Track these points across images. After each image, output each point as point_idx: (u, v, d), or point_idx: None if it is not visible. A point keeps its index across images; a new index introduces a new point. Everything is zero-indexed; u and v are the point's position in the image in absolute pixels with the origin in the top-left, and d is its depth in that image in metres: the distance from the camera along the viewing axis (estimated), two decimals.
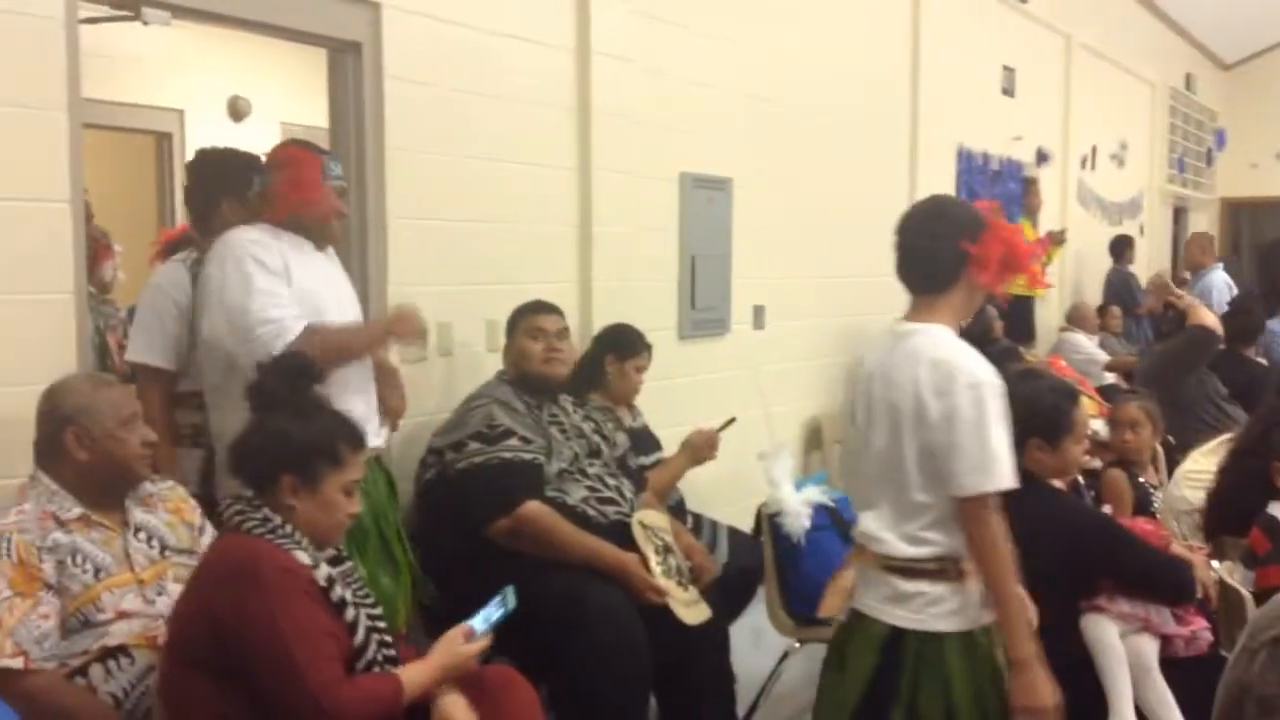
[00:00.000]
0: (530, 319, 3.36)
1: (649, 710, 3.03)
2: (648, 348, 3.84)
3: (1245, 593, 2.86)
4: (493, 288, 3.74)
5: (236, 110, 6.39)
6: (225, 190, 2.97)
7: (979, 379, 2.18)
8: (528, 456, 3.07)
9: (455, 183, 3.65)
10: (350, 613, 2.15)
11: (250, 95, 6.40)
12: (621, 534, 3.11)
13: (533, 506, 3.01)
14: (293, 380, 2.26)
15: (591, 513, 3.11)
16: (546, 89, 4.03)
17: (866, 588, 2.33)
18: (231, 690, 2.04)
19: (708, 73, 4.81)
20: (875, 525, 2.29)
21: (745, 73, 5.05)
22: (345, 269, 3.06)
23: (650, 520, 3.19)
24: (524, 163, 3.92)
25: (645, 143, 4.44)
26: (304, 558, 2.12)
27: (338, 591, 2.14)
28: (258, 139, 6.61)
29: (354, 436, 2.25)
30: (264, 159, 2.90)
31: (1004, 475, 2.16)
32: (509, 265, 3.86)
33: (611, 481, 3.24)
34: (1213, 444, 3.95)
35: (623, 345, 3.80)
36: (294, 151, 2.87)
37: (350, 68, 3.39)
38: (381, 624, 2.26)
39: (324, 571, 2.14)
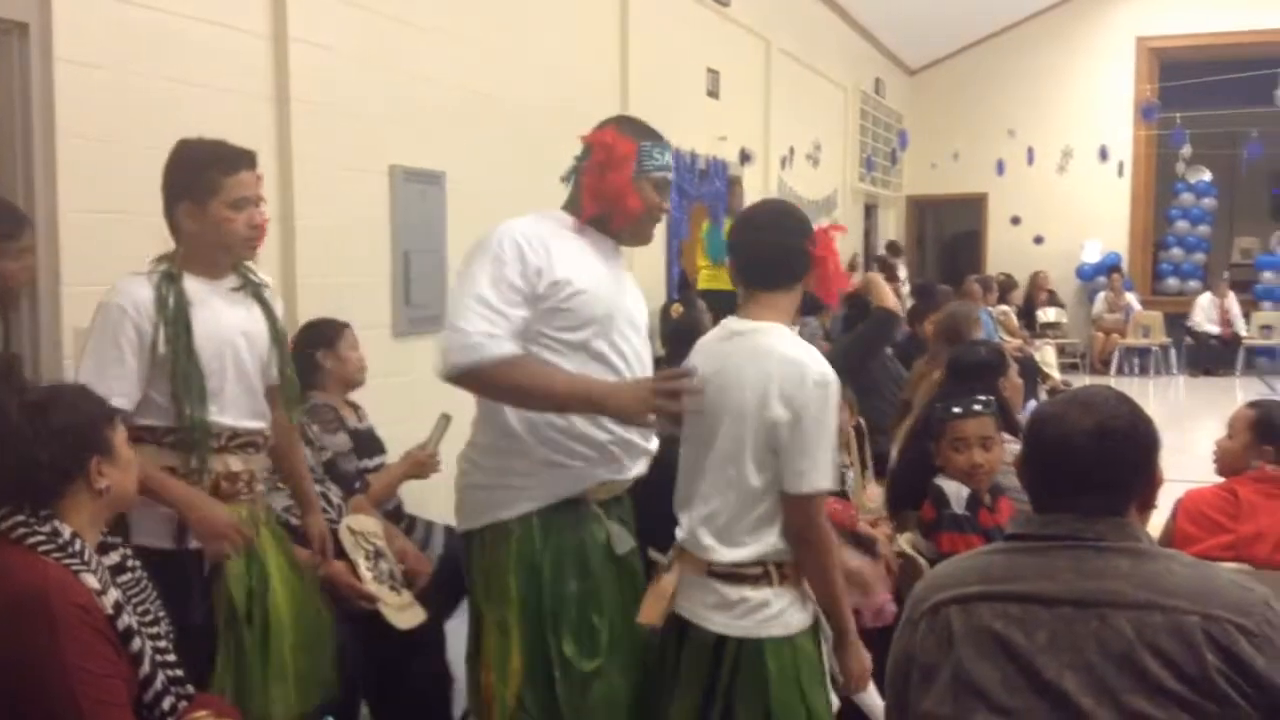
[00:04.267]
0: None
1: (359, 717, 2.95)
2: (346, 325, 3.70)
3: (923, 562, 3.10)
4: None
5: None
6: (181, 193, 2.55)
7: (827, 379, 2.21)
8: None
9: (138, 173, 3.40)
10: (136, 643, 2.00)
11: None
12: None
13: None
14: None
15: (295, 521, 2.99)
16: (240, 76, 3.84)
17: (690, 593, 2.31)
18: None
19: (417, 65, 4.73)
20: (699, 529, 2.28)
21: (457, 67, 5.00)
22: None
23: (359, 525, 3.11)
24: None
25: (351, 134, 4.31)
26: (92, 581, 1.95)
27: (124, 620, 1.98)
28: None
29: (95, 395, 2.12)
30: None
31: (832, 474, 2.23)
32: None
33: (316, 487, 3.12)
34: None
35: (323, 332, 3.65)
36: (610, 134, 2.55)
37: (15, 49, 3.11)
38: (168, 650, 2.11)
39: (111, 597, 1.97)
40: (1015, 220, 13.61)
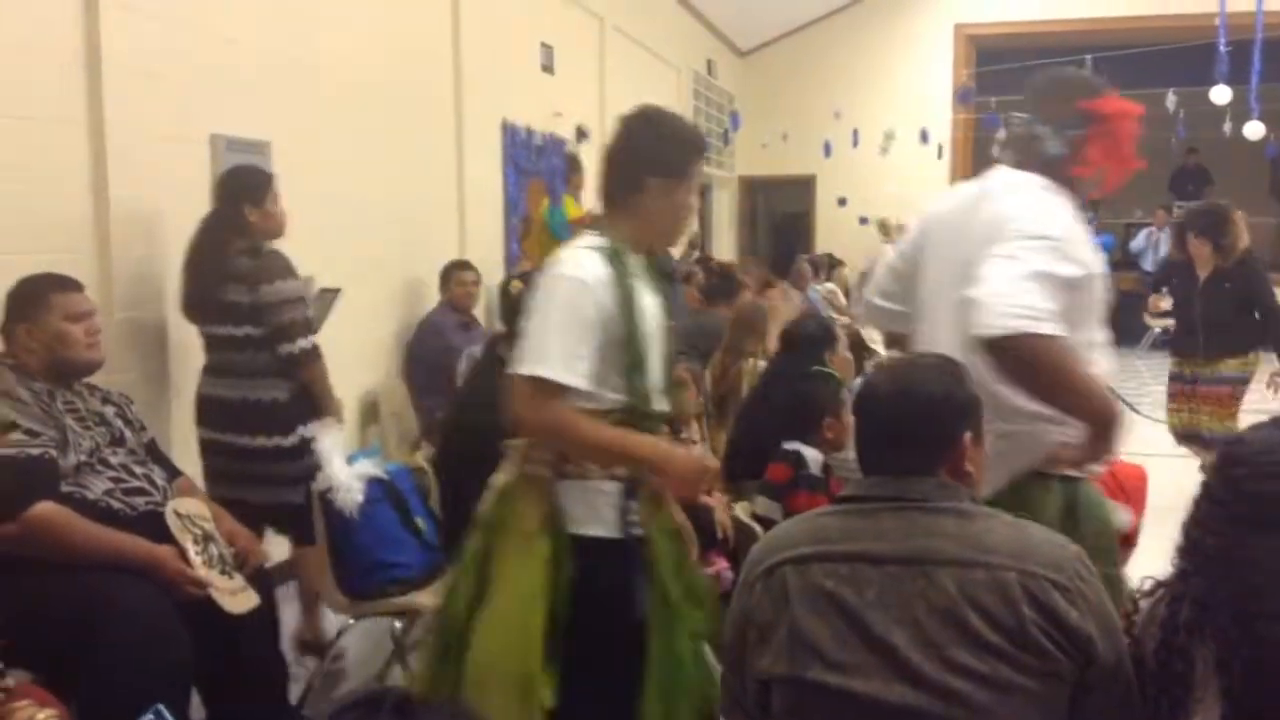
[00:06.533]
0: (60, 298, 2.97)
1: (189, 705, 2.83)
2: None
3: (760, 530, 3.18)
4: None
5: None
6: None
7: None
8: (36, 451, 2.75)
9: None
10: None
11: None
12: (155, 525, 2.88)
13: (43, 508, 2.69)
14: None
15: (117, 505, 2.84)
16: (45, 37, 3.62)
17: None
18: None
19: (238, 29, 4.55)
20: None
21: (281, 32, 4.83)
22: None
23: (186, 508, 2.98)
24: (18, 117, 3.50)
25: (169, 101, 4.11)
26: None
27: None
28: None
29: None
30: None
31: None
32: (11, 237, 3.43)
33: (139, 470, 2.98)
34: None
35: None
36: (1118, 101, 2.41)
37: None
38: None
39: None
40: (842, 201, 14.01)
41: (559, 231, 7.77)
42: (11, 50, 3.45)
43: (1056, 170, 2.50)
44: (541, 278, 2.32)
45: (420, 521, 3.65)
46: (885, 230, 11.20)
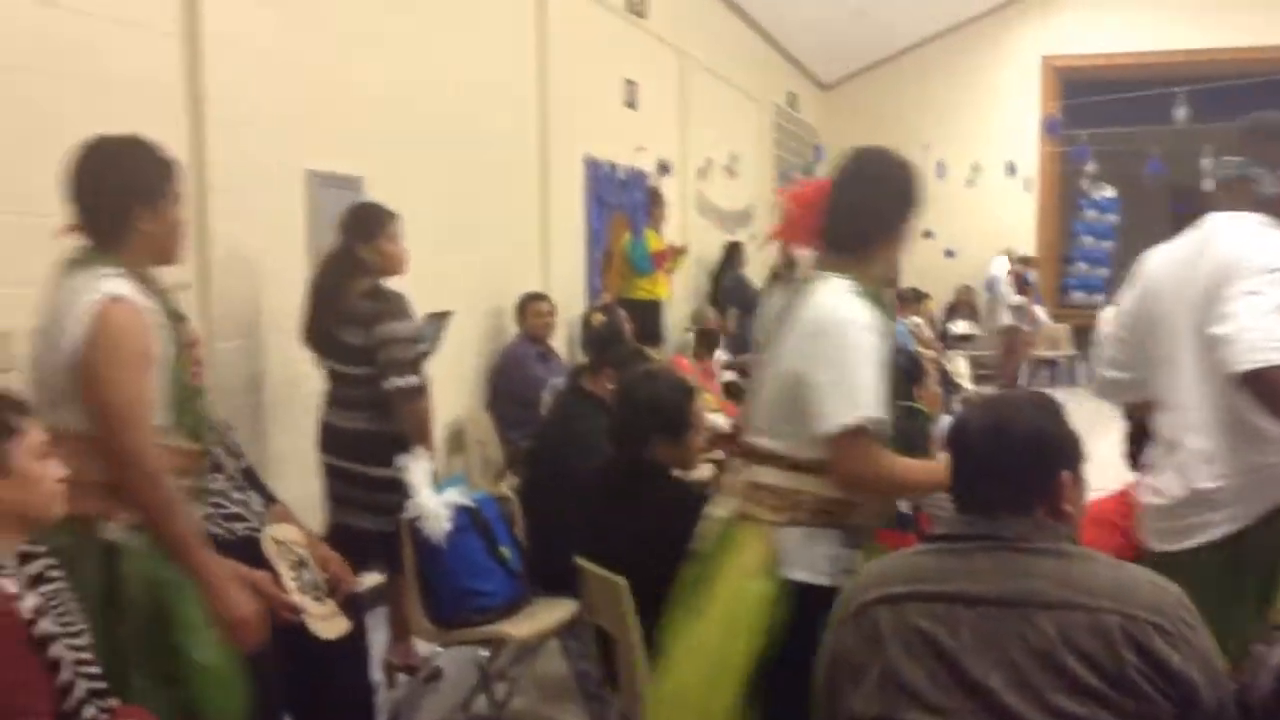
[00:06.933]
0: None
1: None
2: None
3: None
4: None
5: None
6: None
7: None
8: None
9: (46, 175, 3.31)
10: (54, 649, 1.94)
11: None
12: (251, 550, 2.94)
13: None
14: None
15: (216, 530, 2.92)
16: (150, 76, 3.75)
17: None
18: None
19: (333, 69, 4.67)
20: None
21: (373, 72, 4.95)
22: None
23: (282, 534, 3.04)
24: None
25: (267, 138, 4.24)
26: (10, 585, 1.89)
27: (43, 626, 1.92)
28: None
29: (9, 401, 2.03)
30: None
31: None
32: None
33: (238, 496, 3.05)
34: None
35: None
36: None
37: None
38: (90, 662, 2.04)
39: (30, 602, 1.92)
40: (928, 234, 13.87)
41: (640, 264, 7.83)
42: (118, 88, 3.58)
43: (1274, 208, 2.53)
44: (809, 324, 2.34)
45: (505, 550, 3.68)
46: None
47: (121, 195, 2.43)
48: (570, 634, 3.74)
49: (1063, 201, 14.10)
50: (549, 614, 3.65)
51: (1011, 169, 12.98)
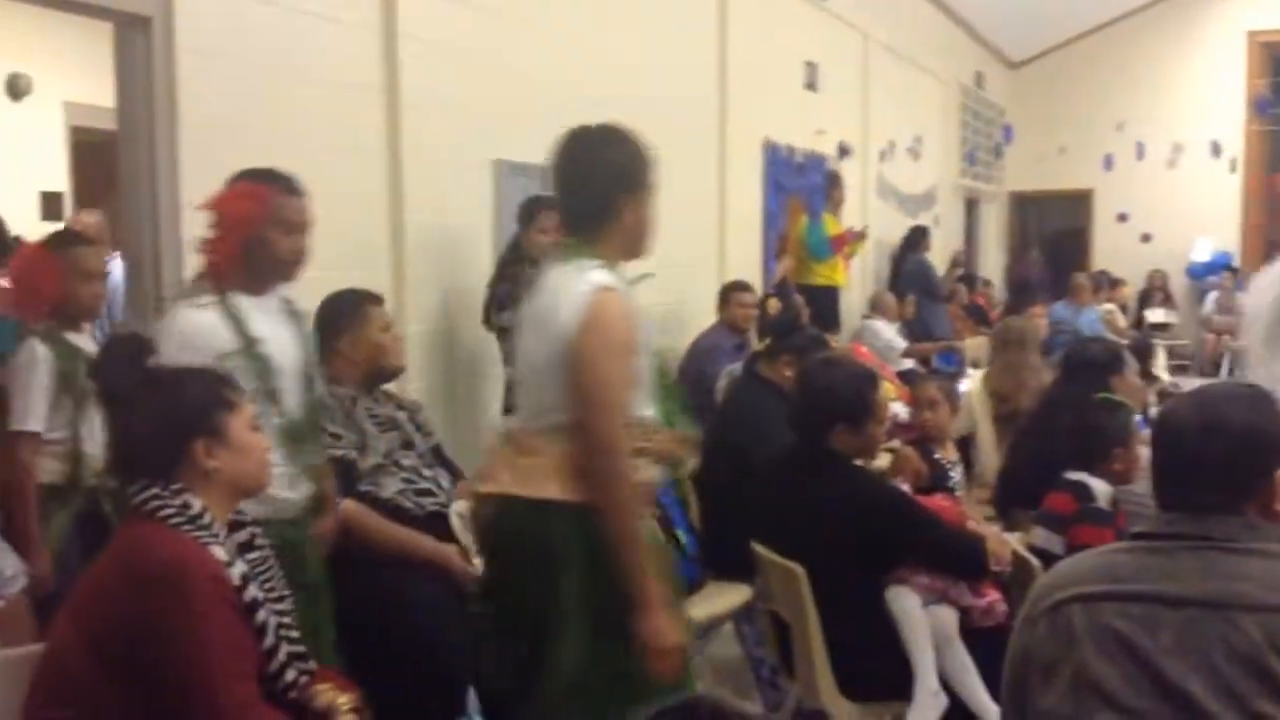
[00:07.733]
0: (372, 310, 3.22)
1: (468, 700, 2.99)
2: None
3: (1035, 563, 3.04)
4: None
5: (15, 89, 5.99)
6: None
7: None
8: (338, 453, 2.99)
9: (256, 161, 3.49)
10: (261, 615, 2.05)
11: (31, 72, 6.00)
12: (440, 525, 3.07)
13: (347, 505, 2.93)
14: (132, 359, 2.16)
15: (407, 505, 3.05)
16: (351, 69, 3.93)
17: None
18: (129, 689, 1.91)
19: (520, 61, 4.79)
20: None
21: (557, 62, 5.04)
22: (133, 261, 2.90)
23: (469, 510, 3.16)
24: (331, 147, 3.81)
25: (455, 128, 4.38)
26: (221, 553, 2.01)
27: (251, 592, 2.04)
28: (38, 120, 6.21)
29: (223, 377, 2.16)
30: None
31: None
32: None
33: (427, 472, 3.18)
34: None
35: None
36: None
37: (140, 43, 3.23)
38: (291, 626, 2.16)
39: (239, 569, 2.04)
40: (1122, 217, 13.26)
41: (817, 249, 7.73)
42: (323, 86, 3.76)
43: None
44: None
45: (681, 534, 3.70)
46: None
47: (608, 184, 2.47)
48: (745, 619, 3.74)
49: (1271, 184, 13.24)
50: (723, 598, 3.67)
51: (1216, 149, 12.26)
